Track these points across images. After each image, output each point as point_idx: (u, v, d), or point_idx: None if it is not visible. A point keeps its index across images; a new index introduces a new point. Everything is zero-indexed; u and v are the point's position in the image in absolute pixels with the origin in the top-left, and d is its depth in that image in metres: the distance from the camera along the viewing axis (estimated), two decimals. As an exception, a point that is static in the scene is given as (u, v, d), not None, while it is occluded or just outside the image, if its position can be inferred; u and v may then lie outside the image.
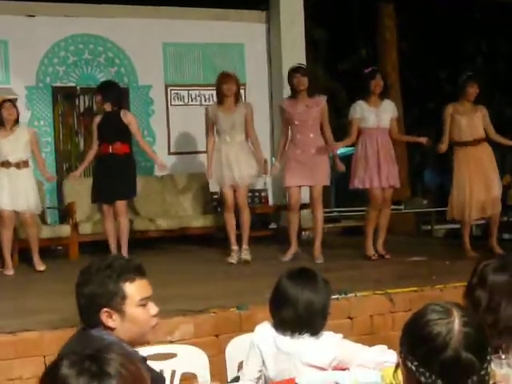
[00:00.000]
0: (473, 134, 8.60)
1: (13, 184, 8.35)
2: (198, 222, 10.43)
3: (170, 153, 11.27)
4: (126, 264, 2.90)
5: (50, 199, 10.57)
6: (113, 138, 8.61)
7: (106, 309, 2.83)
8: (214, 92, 9.98)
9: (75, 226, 9.61)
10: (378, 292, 6.14)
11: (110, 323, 2.84)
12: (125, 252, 8.62)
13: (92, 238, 9.73)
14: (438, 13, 15.88)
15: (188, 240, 10.44)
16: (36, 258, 8.51)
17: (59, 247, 10.12)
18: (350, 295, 5.99)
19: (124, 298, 2.85)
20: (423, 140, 8.77)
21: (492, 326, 3.02)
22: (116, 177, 8.53)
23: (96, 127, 8.75)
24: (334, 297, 5.46)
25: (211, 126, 8.78)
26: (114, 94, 8.84)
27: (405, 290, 6.23)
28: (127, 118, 8.73)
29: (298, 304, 3.45)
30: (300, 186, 8.61)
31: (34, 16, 10.78)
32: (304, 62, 11.27)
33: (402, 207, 13.22)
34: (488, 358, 2.16)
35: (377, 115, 8.48)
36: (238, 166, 8.56)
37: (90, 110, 10.93)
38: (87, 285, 2.86)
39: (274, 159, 11.26)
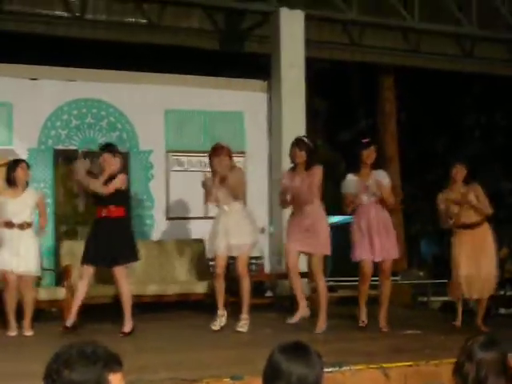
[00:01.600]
0: (468, 219, 8.67)
1: (15, 245, 8.38)
2: (195, 287, 10.40)
3: (168, 218, 11.31)
4: (110, 353, 2.73)
5: (46, 261, 10.56)
6: (107, 202, 8.53)
7: None
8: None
9: (71, 289, 9.58)
10: (372, 366, 6.11)
11: None
12: (128, 319, 8.50)
13: (87, 301, 9.70)
14: (438, 85, 16.09)
15: (184, 306, 10.41)
16: (27, 323, 8.43)
17: (54, 309, 10.08)
18: (344, 368, 5.96)
19: None
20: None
21: None
22: (108, 241, 8.43)
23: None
24: (328, 370, 5.45)
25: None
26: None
27: (400, 364, 6.20)
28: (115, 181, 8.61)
29: (291, 378, 3.43)
30: (299, 252, 8.59)
31: (37, 79, 10.92)
32: (304, 131, 11.42)
33: (397, 278, 13.23)
34: None
35: None
36: (236, 235, 8.57)
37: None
38: (69, 370, 2.63)
39: (271, 228, 11.36)
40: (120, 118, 11.32)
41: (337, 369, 5.88)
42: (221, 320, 8.62)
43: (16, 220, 8.42)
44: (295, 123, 11.58)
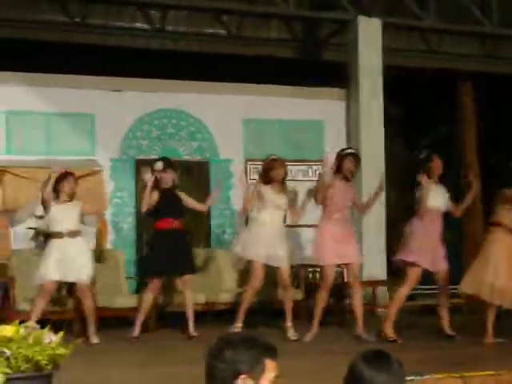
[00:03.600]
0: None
1: (64, 254, 8.47)
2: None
3: (248, 226, 11.38)
4: (269, 343, 3.02)
5: (128, 269, 10.76)
6: (175, 214, 8.79)
7: (244, 375, 2.92)
8: (293, 167, 10.19)
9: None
10: (453, 375, 6.09)
11: None
12: (191, 325, 8.72)
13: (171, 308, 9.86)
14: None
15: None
16: (92, 330, 8.54)
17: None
18: (425, 377, 5.95)
19: (263, 370, 2.94)
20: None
21: None
22: (180, 251, 8.75)
23: (154, 202, 8.86)
24: (409, 378, 5.45)
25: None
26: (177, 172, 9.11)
27: (481, 373, 6.16)
28: (181, 195, 8.97)
29: (373, 386, 3.47)
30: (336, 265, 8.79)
31: (120, 91, 11.17)
32: (382, 138, 11.44)
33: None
34: None
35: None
36: (278, 246, 8.64)
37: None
38: (231, 351, 2.95)
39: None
40: (200, 128, 11.50)
41: (418, 378, 5.88)
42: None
43: (64, 229, 8.51)
44: (373, 130, 11.62)
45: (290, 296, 8.80)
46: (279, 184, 8.74)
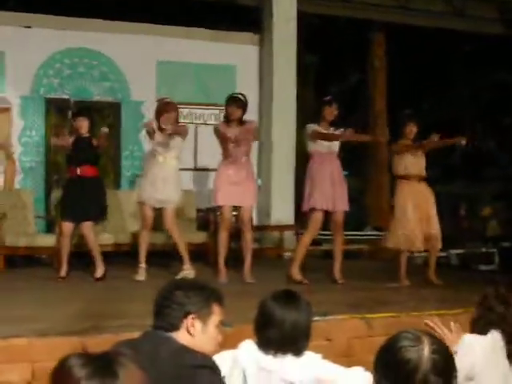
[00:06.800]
0: (418, 172, 8.82)
1: None
2: (193, 238, 10.45)
3: (157, 168, 11.39)
4: (217, 289, 3.31)
5: (37, 208, 10.70)
6: (81, 161, 8.69)
7: (193, 315, 3.15)
8: (205, 111, 10.20)
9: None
10: (356, 316, 6.32)
11: (191, 330, 3.16)
12: (100, 265, 8.72)
13: (75, 248, 9.86)
14: (428, 43, 16.16)
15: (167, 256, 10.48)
16: None
17: (44, 256, 10.22)
18: (328, 318, 6.16)
19: (210, 313, 3.21)
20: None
21: None
22: (85, 198, 8.63)
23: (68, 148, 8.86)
24: (314, 318, 5.64)
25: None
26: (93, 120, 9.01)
27: (382, 315, 6.40)
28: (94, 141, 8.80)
29: (284, 324, 3.60)
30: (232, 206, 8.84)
31: (30, 27, 10.96)
32: (294, 85, 11.53)
33: (382, 234, 13.40)
34: (454, 381, 2.39)
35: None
36: (165, 188, 8.66)
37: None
38: (181, 292, 3.18)
39: (259, 181, 11.51)
40: (112, 68, 11.40)
41: (322, 318, 6.07)
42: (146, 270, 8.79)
43: None
44: (286, 76, 11.69)
45: (177, 239, 8.76)
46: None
